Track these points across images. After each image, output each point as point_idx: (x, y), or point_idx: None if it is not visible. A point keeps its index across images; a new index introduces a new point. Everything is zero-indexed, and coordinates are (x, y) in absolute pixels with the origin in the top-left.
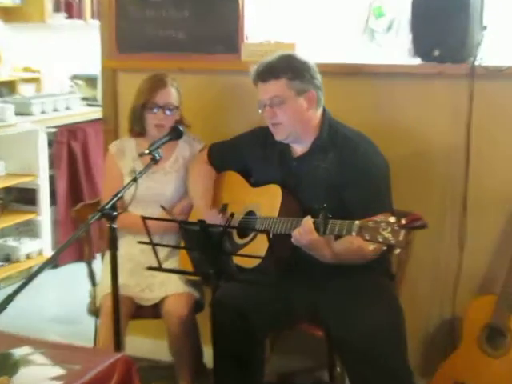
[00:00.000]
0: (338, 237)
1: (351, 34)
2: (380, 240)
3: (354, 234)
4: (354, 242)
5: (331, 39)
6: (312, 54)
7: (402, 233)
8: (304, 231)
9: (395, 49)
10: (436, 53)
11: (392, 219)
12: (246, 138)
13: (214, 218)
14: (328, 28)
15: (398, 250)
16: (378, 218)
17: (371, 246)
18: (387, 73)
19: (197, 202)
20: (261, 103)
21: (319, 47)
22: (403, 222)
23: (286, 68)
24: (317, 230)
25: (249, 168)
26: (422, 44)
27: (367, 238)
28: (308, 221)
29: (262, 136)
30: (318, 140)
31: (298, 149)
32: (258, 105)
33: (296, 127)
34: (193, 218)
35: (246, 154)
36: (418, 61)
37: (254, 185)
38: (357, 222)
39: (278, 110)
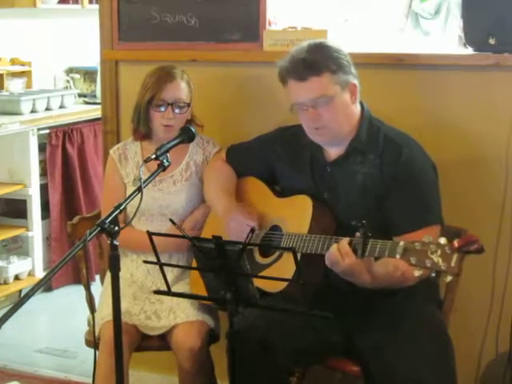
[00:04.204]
0: (376, 258)
1: (392, 20)
2: (428, 265)
3: (397, 256)
4: (399, 267)
5: (368, 25)
6: (346, 42)
7: (455, 257)
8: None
9: (443, 36)
10: (492, 41)
11: (443, 241)
12: (270, 140)
13: (242, 215)
14: (364, 12)
15: (449, 278)
16: (426, 238)
17: (417, 273)
18: (434, 64)
19: (215, 203)
20: (299, 106)
21: (354, 34)
22: (456, 244)
23: (326, 60)
24: (354, 251)
25: (273, 174)
26: (475, 31)
27: (413, 262)
28: (343, 241)
29: (287, 137)
30: (356, 141)
31: (333, 151)
32: (293, 107)
33: (342, 127)
34: (209, 226)
35: (269, 158)
36: (470, 51)
37: (280, 195)
38: (401, 244)
39: (323, 111)
